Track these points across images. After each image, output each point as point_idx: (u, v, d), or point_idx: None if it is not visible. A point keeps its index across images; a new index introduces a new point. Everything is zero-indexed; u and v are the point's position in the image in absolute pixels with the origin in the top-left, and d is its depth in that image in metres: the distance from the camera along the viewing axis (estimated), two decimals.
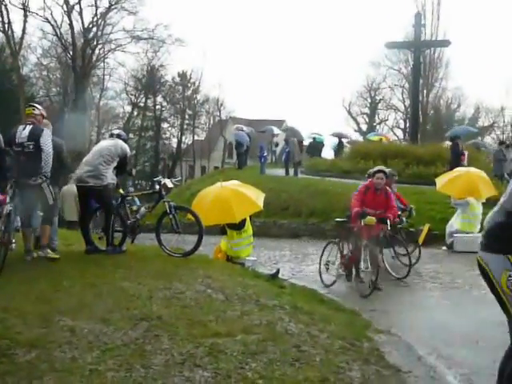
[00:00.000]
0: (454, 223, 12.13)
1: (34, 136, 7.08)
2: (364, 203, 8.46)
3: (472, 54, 73.12)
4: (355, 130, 52.32)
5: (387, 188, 8.81)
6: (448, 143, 23.59)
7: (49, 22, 38.48)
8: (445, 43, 29.92)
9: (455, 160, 17.37)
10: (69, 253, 7.96)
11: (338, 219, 9.57)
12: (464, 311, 7.10)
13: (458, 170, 12.83)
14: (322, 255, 9.04)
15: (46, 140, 7.11)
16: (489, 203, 12.44)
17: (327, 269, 8.89)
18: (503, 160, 18.47)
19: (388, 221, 8.30)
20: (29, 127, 7.18)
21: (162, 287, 5.75)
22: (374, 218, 8.21)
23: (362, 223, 8.18)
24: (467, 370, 4.88)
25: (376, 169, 8.87)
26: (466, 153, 18.71)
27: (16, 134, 7.15)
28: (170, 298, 5.42)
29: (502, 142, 20.03)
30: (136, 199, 8.61)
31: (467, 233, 11.92)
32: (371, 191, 8.57)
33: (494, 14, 72.82)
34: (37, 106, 7.73)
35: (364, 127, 51.97)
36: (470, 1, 72.44)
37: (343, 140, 29.52)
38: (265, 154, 23.47)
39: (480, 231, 11.87)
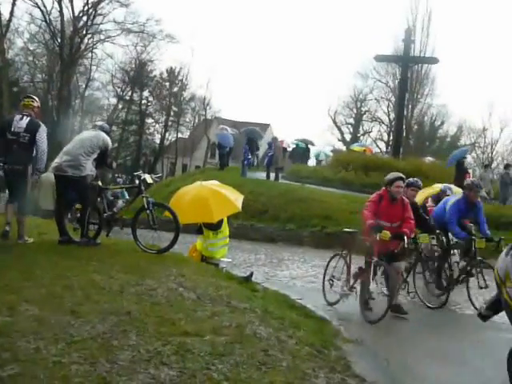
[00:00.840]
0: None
1: (32, 129, 7.46)
2: (377, 214, 7.42)
3: (458, 73, 74.04)
4: (339, 140, 52.72)
5: (404, 198, 7.76)
6: (429, 159, 23.92)
7: (38, 7, 38.26)
8: (433, 60, 30.19)
9: (459, 178, 17.41)
10: (42, 242, 7.86)
11: (346, 229, 8.44)
12: (434, 325, 7.18)
13: (438, 186, 12.93)
14: (326, 269, 8.24)
15: (43, 136, 7.50)
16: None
17: (331, 285, 8.00)
18: (510, 184, 18.03)
19: (405, 237, 7.27)
20: (26, 118, 7.53)
21: (133, 283, 5.70)
22: (388, 233, 7.16)
23: (377, 238, 7.13)
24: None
25: (393, 176, 7.68)
26: (471, 171, 18.68)
27: (12, 123, 7.51)
28: (140, 294, 5.37)
29: (508, 165, 19.43)
30: (125, 192, 8.59)
31: None
32: (386, 201, 7.53)
33: (480, 36, 73.96)
34: (35, 98, 8.04)
35: (348, 137, 52.32)
36: (458, 22, 73.43)
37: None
38: (249, 157, 23.38)
39: None
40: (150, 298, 5.33)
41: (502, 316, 4.23)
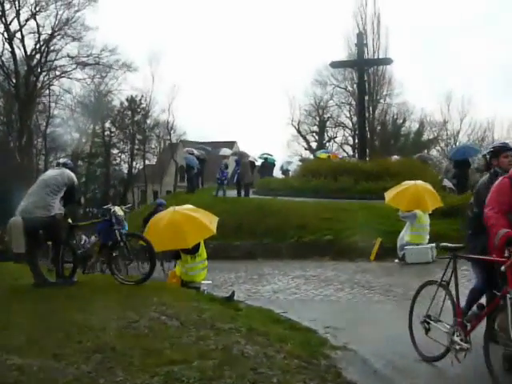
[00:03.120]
0: (404, 236, 12.41)
1: None
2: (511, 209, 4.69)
3: (413, 70, 75.52)
4: (305, 149, 53.04)
5: None
6: (396, 157, 24.29)
7: None
8: (387, 61, 30.83)
9: (462, 175, 17.64)
10: (17, 287, 7.72)
11: (446, 244, 5.40)
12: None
13: (406, 183, 13.12)
14: (413, 303, 5.61)
15: None
16: (435, 214, 12.83)
17: (427, 329, 5.39)
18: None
19: None
20: None
21: (115, 317, 5.63)
22: None
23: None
24: (422, 381, 4.97)
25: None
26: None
27: None
28: (123, 328, 5.30)
29: None
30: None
31: (417, 244, 12.19)
32: None
33: (430, 32, 75.53)
34: None
35: (314, 145, 52.71)
36: (406, 18, 74.77)
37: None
38: (225, 176, 22.76)
39: (429, 242, 12.18)
40: (133, 330, 5.27)
41: None
